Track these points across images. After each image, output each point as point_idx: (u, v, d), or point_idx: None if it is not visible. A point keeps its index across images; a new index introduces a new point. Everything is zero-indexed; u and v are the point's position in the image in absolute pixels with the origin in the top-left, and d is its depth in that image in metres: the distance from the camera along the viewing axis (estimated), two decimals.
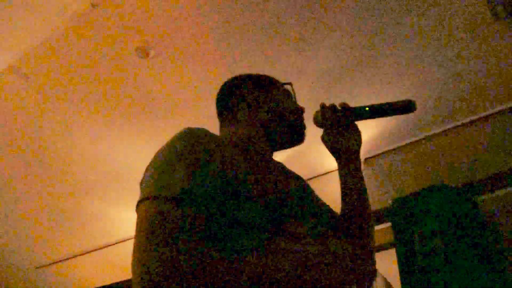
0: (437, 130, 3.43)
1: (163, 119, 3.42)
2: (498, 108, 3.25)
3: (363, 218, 1.18)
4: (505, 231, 3.28)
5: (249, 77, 1.33)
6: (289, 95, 1.30)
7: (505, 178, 3.56)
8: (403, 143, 3.53)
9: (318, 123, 1.24)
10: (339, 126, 1.22)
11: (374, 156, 3.62)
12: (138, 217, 0.85)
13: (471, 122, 3.35)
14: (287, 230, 0.92)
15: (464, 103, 3.26)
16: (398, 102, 1.19)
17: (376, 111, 1.21)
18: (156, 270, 0.73)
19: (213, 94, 3.22)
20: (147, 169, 0.99)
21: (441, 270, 3.17)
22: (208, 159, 0.91)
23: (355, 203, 1.19)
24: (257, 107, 1.23)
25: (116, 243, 5.14)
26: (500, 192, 3.55)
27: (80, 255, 5.40)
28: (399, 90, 3.19)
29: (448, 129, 3.42)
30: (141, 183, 0.98)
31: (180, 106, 3.31)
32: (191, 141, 0.95)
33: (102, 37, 2.76)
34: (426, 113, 3.31)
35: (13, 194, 4.29)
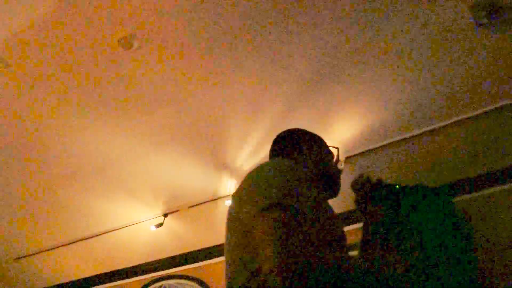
0: (417, 132, 3.48)
1: (146, 111, 3.40)
2: (476, 111, 3.30)
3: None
4: (480, 232, 3.33)
5: (309, 132, 1.63)
6: (333, 156, 1.59)
7: (483, 180, 3.63)
8: (383, 143, 3.57)
9: (354, 189, 1.53)
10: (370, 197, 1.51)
11: (354, 155, 3.65)
12: (272, 219, 1.07)
13: (450, 124, 3.41)
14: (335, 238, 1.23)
15: (443, 106, 3.30)
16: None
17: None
18: (292, 248, 1.01)
19: (197, 84, 3.23)
20: (257, 179, 1.23)
21: (417, 269, 3.21)
22: (301, 183, 1.21)
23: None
24: (312, 153, 1.53)
25: (97, 235, 5.11)
26: (476, 194, 3.61)
27: (59, 247, 5.37)
28: (379, 94, 3.22)
29: (427, 131, 3.47)
30: (262, 190, 1.17)
31: (164, 99, 3.29)
32: (292, 166, 1.26)
33: (84, 27, 2.74)
34: (406, 115, 3.36)
35: None
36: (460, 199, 3.61)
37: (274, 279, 0.97)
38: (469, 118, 3.34)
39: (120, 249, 5.25)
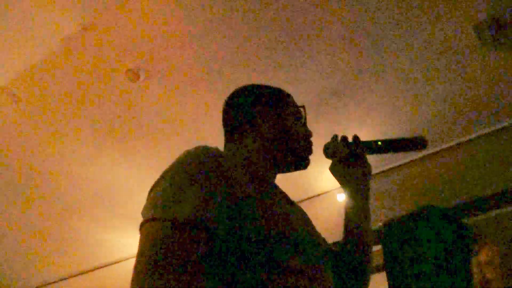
0: (426, 152, 3.46)
1: (153, 142, 3.43)
2: (483, 131, 3.29)
3: (365, 254, 1.20)
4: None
5: (261, 90, 1.25)
6: (299, 118, 1.24)
7: (493, 200, 3.58)
8: (392, 165, 3.56)
9: (328, 154, 1.23)
10: (350, 158, 1.23)
11: None
12: (142, 238, 0.81)
13: (458, 144, 3.39)
14: (286, 264, 0.88)
15: (450, 126, 3.30)
16: (410, 138, 1.23)
17: (388, 146, 1.23)
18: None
19: (202, 117, 3.23)
20: (153, 188, 0.93)
21: None
22: (219, 182, 0.86)
23: (359, 238, 1.20)
24: (265, 125, 1.16)
25: (106, 265, 5.09)
26: (488, 214, 3.57)
27: (70, 277, 5.35)
28: (385, 114, 3.22)
29: (436, 151, 3.45)
30: (147, 203, 0.90)
31: (169, 129, 3.32)
32: (202, 161, 0.89)
33: (92, 60, 2.78)
34: (414, 135, 3.34)
35: (1, 215, 4.25)
36: (471, 220, 3.56)
37: None
38: (478, 137, 3.33)
39: (128, 281, 5.20)
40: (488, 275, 2.14)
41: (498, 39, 2.67)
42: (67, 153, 3.51)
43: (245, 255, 0.84)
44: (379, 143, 1.21)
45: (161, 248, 0.75)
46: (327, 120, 3.24)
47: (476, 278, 2.18)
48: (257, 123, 1.16)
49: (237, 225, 0.85)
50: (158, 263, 0.74)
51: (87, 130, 3.30)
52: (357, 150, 1.21)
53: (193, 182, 0.84)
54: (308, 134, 1.22)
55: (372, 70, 2.92)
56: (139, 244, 0.80)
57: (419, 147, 1.23)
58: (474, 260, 2.21)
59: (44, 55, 2.72)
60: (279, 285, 0.84)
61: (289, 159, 1.17)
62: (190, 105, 3.11)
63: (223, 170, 0.89)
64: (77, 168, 3.67)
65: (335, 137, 1.24)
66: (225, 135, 1.22)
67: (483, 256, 2.18)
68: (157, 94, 3.03)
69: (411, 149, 1.23)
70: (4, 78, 2.86)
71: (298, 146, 1.18)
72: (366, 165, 1.26)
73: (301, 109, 1.25)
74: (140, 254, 0.78)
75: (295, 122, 1.20)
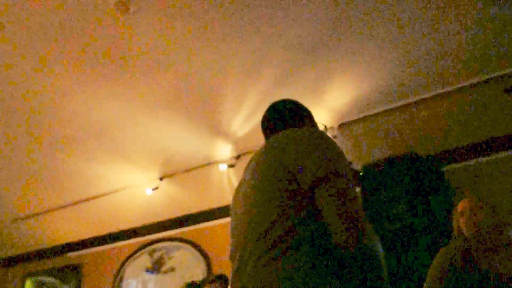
0: (409, 100, 3.52)
1: (143, 76, 3.40)
2: (468, 82, 3.35)
3: None
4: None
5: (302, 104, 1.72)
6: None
7: (473, 150, 3.70)
8: (377, 111, 3.62)
9: None
10: None
11: (348, 122, 3.71)
12: (337, 186, 1.20)
13: (442, 94, 3.46)
14: None
15: (436, 76, 3.34)
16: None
17: None
18: (359, 215, 1.15)
19: (194, 50, 3.22)
20: (316, 144, 1.30)
21: (404, 234, 3.32)
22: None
23: None
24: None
25: (93, 198, 5.18)
26: (467, 163, 3.70)
27: (56, 209, 5.43)
28: (373, 63, 3.25)
29: (420, 100, 3.52)
30: (328, 157, 1.27)
31: (160, 63, 3.29)
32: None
33: None
34: (400, 84, 3.40)
35: None
36: (450, 168, 3.69)
37: (347, 241, 1.11)
38: (460, 88, 3.39)
39: (116, 212, 5.33)
40: (461, 225, 2.27)
41: None
42: (54, 86, 3.48)
43: None
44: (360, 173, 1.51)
45: (350, 193, 1.21)
46: (316, 68, 3.27)
47: (455, 226, 2.32)
48: (310, 122, 1.66)
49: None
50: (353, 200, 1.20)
51: (75, 63, 3.26)
52: None
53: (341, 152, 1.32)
54: None
55: (360, 20, 2.92)
56: (338, 189, 1.20)
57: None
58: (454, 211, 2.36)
59: None
60: None
61: None
62: (181, 39, 3.09)
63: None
64: (64, 101, 3.65)
65: None
66: (291, 121, 1.62)
67: (459, 207, 2.31)
68: (147, 26, 2.99)
69: None
70: None
71: None
72: None
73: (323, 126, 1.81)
74: (342, 195, 1.19)
75: None
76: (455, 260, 2.08)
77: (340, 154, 1.30)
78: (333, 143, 1.33)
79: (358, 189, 3.63)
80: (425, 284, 2.13)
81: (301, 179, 1.24)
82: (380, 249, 1.15)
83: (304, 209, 1.22)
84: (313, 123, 1.67)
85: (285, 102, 1.69)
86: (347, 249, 1.11)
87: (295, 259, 1.15)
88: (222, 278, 3.64)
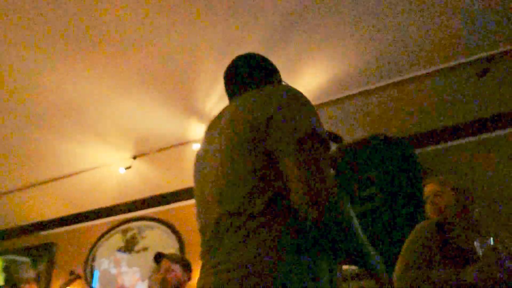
0: (384, 83, 3.53)
1: (115, 54, 3.32)
2: (442, 65, 3.37)
3: None
4: None
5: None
6: None
7: (445, 133, 3.74)
8: (351, 93, 3.62)
9: None
10: None
11: (322, 104, 3.70)
12: (308, 144, 1.12)
13: (416, 77, 3.47)
14: None
15: (410, 58, 3.35)
16: (329, 131, 1.42)
17: None
18: (328, 180, 1.07)
19: (167, 29, 3.15)
20: (290, 104, 1.21)
21: (376, 216, 3.36)
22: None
23: None
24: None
25: (65, 177, 5.12)
26: (439, 146, 3.74)
27: (28, 187, 5.37)
28: (347, 44, 3.23)
29: (394, 83, 3.53)
30: (302, 116, 1.19)
31: (132, 41, 3.21)
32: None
33: None
34: (375, 65, 3.40)
35: None
36: (422, 151, 3.73)
37: (309, 211, 1.04)
38: (434, 71, 3.41)
39: (88, 191, 5.28)
40: (427, 210, 2.30)
41: None
42: (25, 63, 3.37)
43: None
44: None
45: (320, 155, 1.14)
46: (290, 48, 3.23)
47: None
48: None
49: None
50: (324, 161, 1.14)
51: (47, 37, 3.15)
52: None
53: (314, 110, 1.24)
54: None
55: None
56: (309, 146, 1.13)
57: (337, 141, 1.48)
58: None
59: None
60: None
61: None
62: (154, 15, 3.02)
63: None
64: (37, 79, 3.56)
65: None
66: (261, 79, 1.55)
67: (427, 189, 2.34)
68: (120, 3, 2.91)
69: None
70: None
71: None
72: None
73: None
74: (314, 153, 1.12)
75: None
76: (430, 231, 2.10)
77: (316, 114, 1.23)
78: (309, 101, 1.26)
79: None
80: (399, 258, 2.14)
81: (278, 140, 1.14)
82: (353, 219, 1.12)
83: (280, 179, 1.14)
84: (280, 79, 1.60)
85: (252, 56, 1.62)
86: (309, 214, 1.04)
87: (272, 235, 1.10)
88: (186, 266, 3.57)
